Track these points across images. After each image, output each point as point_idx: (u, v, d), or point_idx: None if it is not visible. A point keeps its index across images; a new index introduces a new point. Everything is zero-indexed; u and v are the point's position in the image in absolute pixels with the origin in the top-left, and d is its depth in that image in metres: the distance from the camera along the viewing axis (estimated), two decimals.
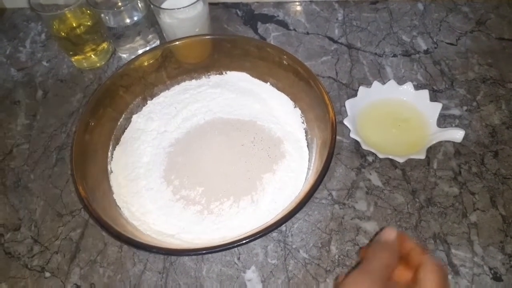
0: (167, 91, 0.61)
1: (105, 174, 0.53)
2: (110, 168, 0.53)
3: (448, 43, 0.68)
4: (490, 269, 0.48)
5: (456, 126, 0.58)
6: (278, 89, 0.59)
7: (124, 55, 0.70)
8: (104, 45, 0.70)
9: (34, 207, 0.56)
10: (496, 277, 0.47)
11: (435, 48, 0.67)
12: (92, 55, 0.70)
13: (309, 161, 0.52)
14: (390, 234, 0.37)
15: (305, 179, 0.50)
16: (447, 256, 0.48)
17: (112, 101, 0.55)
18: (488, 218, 0.51)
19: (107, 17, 0.63)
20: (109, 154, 0.54)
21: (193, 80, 0.61)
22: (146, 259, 0.51)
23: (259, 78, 0.60)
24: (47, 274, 0.50)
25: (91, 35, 0.67)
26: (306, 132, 0.54)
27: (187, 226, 0.48)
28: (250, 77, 0.60)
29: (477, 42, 0.67)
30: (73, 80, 0.70)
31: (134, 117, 0.58)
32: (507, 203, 0.52)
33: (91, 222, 0.54)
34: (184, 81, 0.62)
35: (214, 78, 0.62)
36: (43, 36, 0.77)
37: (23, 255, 0.52)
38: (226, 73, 0.61)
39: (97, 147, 0.53)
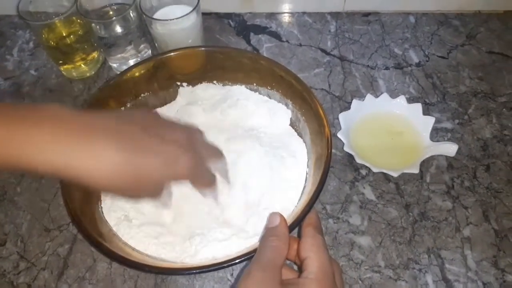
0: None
1: None
2: None
3: (439, 56, 0.68)
4: (484, 284, 0.48)
5: (449, 139, 0.58)
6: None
7: (115, 65, 0.69)
8: (94, 54, 0.69)
9: (20, 222, 0.54)
10: None
11: (427, 61, 0.68)
12: (82, 65, 0.69)
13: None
14: (274, 219, 0.37)
15: (301, 193, 0.49)
16: (441, 271, 0.48)
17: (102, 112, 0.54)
18: (481, 232, 0.51)
19: (98, 27, 0.62)
20: None
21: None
22: (137, 276, 0.49)
23: (252, 90, 0.59)
24: None
25: (81, 44, 0.66)
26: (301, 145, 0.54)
27: (177, 243, 0.47)
28: (245, 88, 0.59)
29: (468, 55, 0.68)
30: (62, 90, 0.68)
31: None
32: (500, 217, 0.52)
33: (80, 237, 0.52)
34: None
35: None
36: (31, 44, 0.75)
37: (8, 272, 0.50)
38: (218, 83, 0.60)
39: None
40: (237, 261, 0.39)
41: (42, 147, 0.31)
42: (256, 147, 0.52)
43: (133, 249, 0.46)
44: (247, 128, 0.56)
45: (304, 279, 0.32)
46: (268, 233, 0.36)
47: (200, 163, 0.38)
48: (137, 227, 0.47)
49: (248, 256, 0.39)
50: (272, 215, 0.38)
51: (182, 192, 0.49)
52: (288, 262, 0.38)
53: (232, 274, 0.49)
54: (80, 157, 0.31)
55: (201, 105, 0.58)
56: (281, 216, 0.37)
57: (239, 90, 0.59)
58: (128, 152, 0.33)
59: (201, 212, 0.49)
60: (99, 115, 0.35)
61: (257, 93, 0.58)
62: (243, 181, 0.50)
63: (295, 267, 0.38)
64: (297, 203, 0.48)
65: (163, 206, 0.44)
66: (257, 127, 0.56)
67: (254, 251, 0.38)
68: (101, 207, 0.50)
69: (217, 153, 0.42)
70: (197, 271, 0.39)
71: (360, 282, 0.48)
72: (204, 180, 0.40)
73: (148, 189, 0.35)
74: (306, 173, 0.50)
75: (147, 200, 0.38)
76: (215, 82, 0.60)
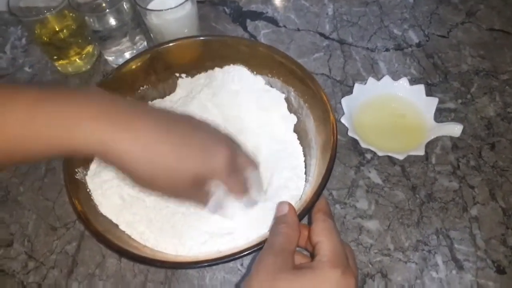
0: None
1: None
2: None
3: (439, 36, 0.67)
4: (493, 262, 0.48)
5: (452, 119, 0.58)
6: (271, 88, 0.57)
7: (110, 58, 0.68)
8: (89, 48, 0.68)
9: (26, 221, 0.54)
10: (500, 270, 0.47)
11: (427, 41, 0.67)
12: (77, 59, 0.67)
13: (305, 162, 0.51)
14: (282, 208, 0.37)
15: (305, 181, 0.49)
16: (450, 252, 0.49)
17: None
18: (488, 211, 0.51)
19: (91, 20, 0.61)
20: None
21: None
22: (147, 270, 0.49)
23: None
24: None
25: (75, 39, 0.65)
26: (301, 133, 0.53)
27: (185, 235, 0.47)
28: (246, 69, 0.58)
29: (468, 33, 0.67)
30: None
31: None
32: (506, 195, 0.52)
33: (87, 234, 0.52)
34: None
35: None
36: (23, 40, 0.74)
37: (17, 272, 0.50)
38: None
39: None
40: (249, 251, 0.38)
41: (87, 127, 0.32)
42: (260, 140, 0.52)
43: (140, 243, 0.45)
44: (246, 120, 0.56)
45: (318, 262, 0.32)
46: (278, 221, 0.37)
47: (236, 164, 0.38)
48: (140, 222, 0.47)
49: (259, 247, 0.39)
50: (280, 204, 0.38)
51: None
52: (300, 249, 0.38)
53: (242, 264, 0.49)
54: (122, 137, 0.32)
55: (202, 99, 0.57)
56: (290, 204, 0.38)
57: (239, 70, 0.57)
58: (167, 132, 0.34)
59: None
60: (137, 102, 0.37)
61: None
62: None
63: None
64: (304, 191, 0.48)
65: (225, 216, 0.43)
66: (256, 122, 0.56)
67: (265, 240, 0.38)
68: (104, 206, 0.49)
69: (253, 164, 0.42)
70: (209, 263, 0.39)
71: (370, 265, 0.48)
72: (238, 184, 0.39)
73: (183, 179, 0.35)
74: (312, 161, 0.50)
75: (191, 202, 0.39)
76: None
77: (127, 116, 0.33)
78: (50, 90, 0.33)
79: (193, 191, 0.37)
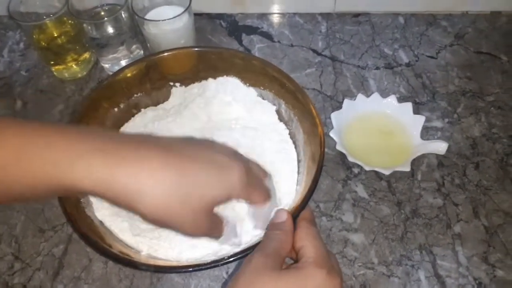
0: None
1: None
2: None
3: (428, 56, 0.69)
4: (475, 279, 0.49)
5: (439, 138, 0.59)
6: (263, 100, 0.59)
7: (107, 65, 0.69)
8: (86, 55, 0.69)
9: (14, 222, 0.54)
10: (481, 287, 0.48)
11: (416, 61, 0.69)
12: (73, 65, 0.68)
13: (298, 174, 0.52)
14: (281, 215, 0.37)
15: (295, 192, 0.50)
16: (433, 267, 0.49)
17: (96, 113, 0.54)
18: (471, 228, 0.52)
19: (89, 27, 0.62)
20: None
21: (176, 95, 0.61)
22: (133, 275, 0.50)
23: None
24: None
25: (73, 45, 0.66)
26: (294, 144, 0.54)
27: (172, 240, 0.47)
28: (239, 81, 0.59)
29: (456, 55, 0.69)
30: (54, 90, 0.68)
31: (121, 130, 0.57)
32: (489, 214, 0.53)
33: (75, 237, 0.52)
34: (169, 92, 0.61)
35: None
36: (21, 45, 0.75)
37: (3, 273, 0.50)
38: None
39: None
40: (235, 257, 0.39)
41: (81, 164, 0.29)
42: (251, 150, 0.53)
43: (128, 246, 0.46)
44: (235, 124, 0.57)
45: (303, 263, 0.33)
46: (274, 226, 0.37)
47: (252, 173, 0.36)
48: (131, 225, 0.47)
49: (244, 254, 0.40)
50: (280, 211, 0.38)
51: None
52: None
53: (227, 272, 0.50)
54: (124, 171, 0.29)
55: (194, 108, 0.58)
56: (288, 212, 0.38)
57: (232, 82, 0.59)
58: (173, 157, 0.31)
59: None
60: (133, 134, 0.35)
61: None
62: None
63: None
64: (292, 200, 0.49)
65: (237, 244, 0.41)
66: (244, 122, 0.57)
67: (251, 247, 0.39)
68: (94, 208, 0.49)
69: (264, 171, 0.40)
70: (194, 269, 0.39)
71: (354, 278, 0.49)
72: (260, 194, 0.37)
73: (200, 206, 0.32)
74: (298, 168, 0.51)
75: (207, 235, 0.36)
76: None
77: (125, 148, 0.30)
78: (40, 126, 0.31)
79: (209, 221, 0.34)
